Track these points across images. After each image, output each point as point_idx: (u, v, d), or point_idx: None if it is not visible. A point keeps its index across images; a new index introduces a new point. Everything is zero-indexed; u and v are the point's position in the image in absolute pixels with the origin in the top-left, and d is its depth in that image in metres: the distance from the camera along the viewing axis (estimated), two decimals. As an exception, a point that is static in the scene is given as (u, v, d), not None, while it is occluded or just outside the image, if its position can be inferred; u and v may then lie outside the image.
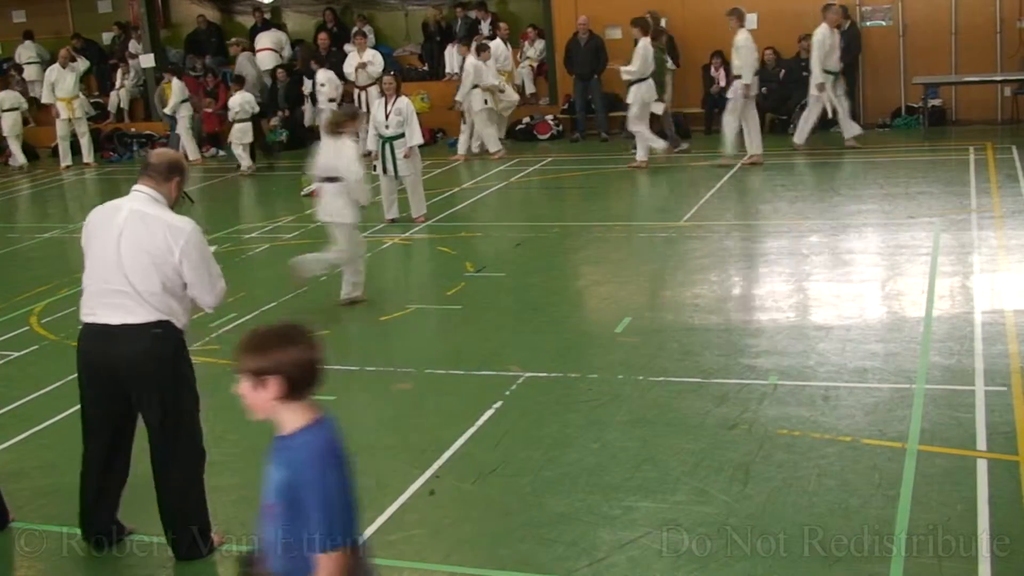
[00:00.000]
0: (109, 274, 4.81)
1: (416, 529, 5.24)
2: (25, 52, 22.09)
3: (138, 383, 4.85)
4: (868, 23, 17.29)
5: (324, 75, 17.47)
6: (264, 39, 20.38)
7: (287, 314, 9.02)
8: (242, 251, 11.65)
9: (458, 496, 5.56)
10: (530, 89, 19.54)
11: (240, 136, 16.96)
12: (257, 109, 17.13)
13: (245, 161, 17.04)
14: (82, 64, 19.73)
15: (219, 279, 5.02)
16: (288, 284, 9.47)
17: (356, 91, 17.52)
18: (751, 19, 17.54)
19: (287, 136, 19.36)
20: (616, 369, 7.16)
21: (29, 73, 21.70)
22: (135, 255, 4.78)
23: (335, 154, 9.05)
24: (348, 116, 9.45)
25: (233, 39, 20.36)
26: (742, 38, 14.51)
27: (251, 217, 13.81)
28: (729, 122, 14.67)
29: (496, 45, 17.62)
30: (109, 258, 4.81)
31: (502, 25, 18.96)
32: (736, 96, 14.47)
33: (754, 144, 14.61)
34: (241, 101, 16.85)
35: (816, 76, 14.83)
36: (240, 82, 17.51)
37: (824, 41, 14.67)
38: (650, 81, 14.88)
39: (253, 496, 5.65)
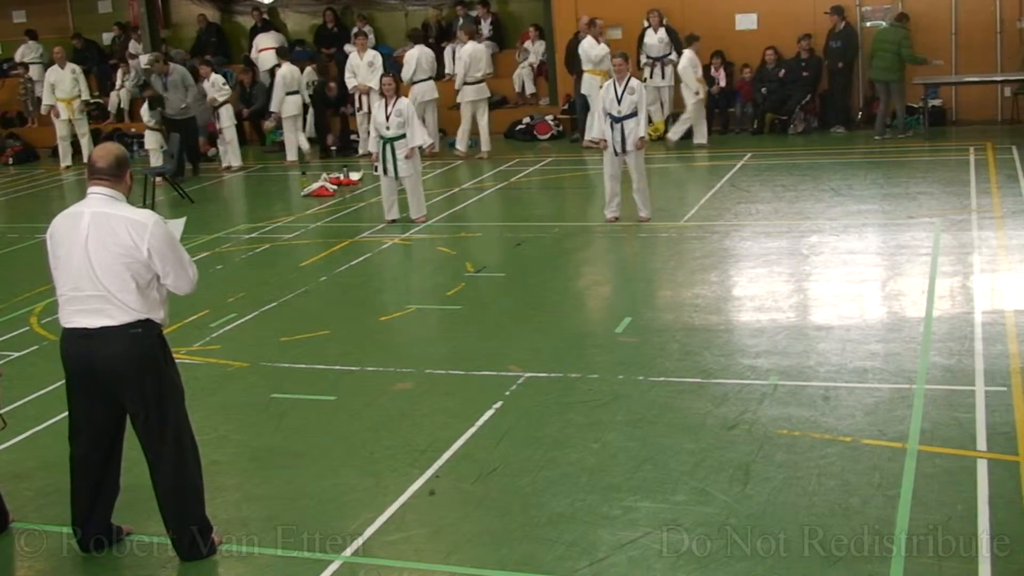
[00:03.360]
0: (81, 281, 4.82)
1: (416, 529, 5.24)
2: (28, 52, 22.06)
3: (120, 383, 4.86)
4: (868, 23, 17.27)
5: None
6: (264, 39, 20.37)
7: (288, 314, 9.03)
8: (242, 251, 11.65)
9: (458, 496, 5.56)
10: (530, 89, 19.54)
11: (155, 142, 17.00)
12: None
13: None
14: (81, 78, 19.40)
15: (190, 264, 5.05)
16: (288, 284, 9.43)
17: (357, 92, 17.47)
18: (751, 19, 17.59)
19: (286, 136, 19.35)
20: (616, 369, 7.16)
21: (32, 73, 21.67)
22: (104, 258, 4.79)
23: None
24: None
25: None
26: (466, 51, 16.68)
27: (251, 217, 13.80)
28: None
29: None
30: (79, 265, 4.82)
31: (598, 22, 17.00)
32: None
33: (484, 141, 16.84)
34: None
35: None
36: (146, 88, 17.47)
37: None
38: (429, 82, 17.06)
39: (254, 496, 5.69)
